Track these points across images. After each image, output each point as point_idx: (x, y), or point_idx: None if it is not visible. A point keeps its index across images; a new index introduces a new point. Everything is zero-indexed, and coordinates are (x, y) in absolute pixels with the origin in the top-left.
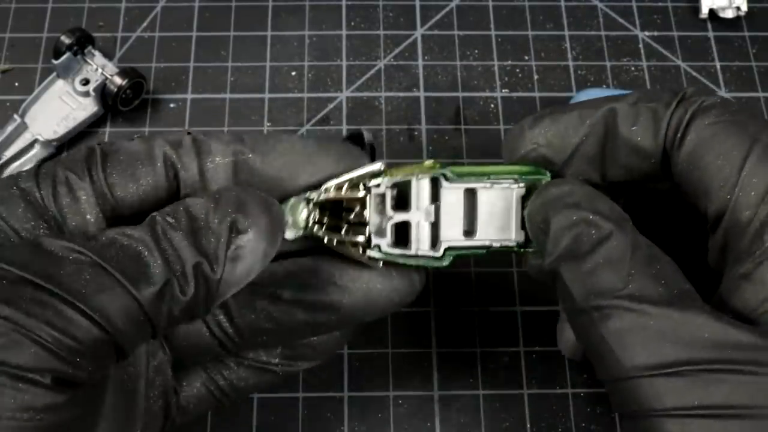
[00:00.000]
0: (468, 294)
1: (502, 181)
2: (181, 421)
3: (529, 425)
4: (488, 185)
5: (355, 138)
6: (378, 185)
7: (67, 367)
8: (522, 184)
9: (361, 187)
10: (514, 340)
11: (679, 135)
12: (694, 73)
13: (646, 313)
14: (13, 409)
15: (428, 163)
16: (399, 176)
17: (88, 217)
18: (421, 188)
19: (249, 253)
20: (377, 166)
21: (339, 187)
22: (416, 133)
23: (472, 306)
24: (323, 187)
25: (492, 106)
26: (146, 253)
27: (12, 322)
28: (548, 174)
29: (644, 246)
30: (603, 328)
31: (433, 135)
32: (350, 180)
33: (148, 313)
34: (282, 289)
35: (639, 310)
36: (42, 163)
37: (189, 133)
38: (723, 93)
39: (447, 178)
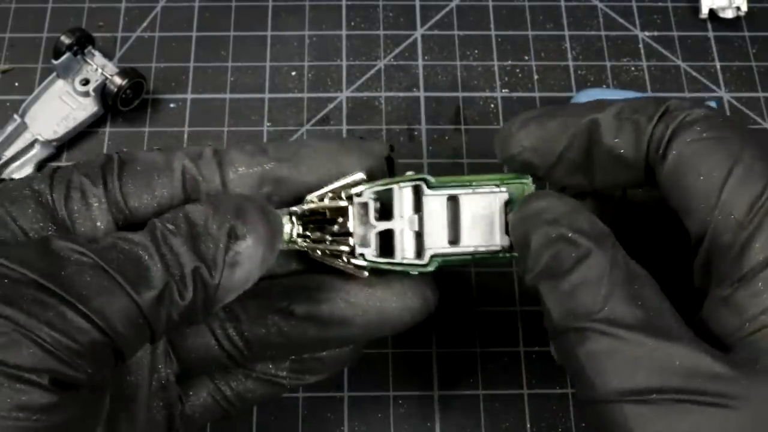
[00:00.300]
0: (468, 294)
1: (484, 186)
2: (185, 430)
3: (529, 425)
4: (470, 191)
5: None
6: (360, 194)
7: (66, 369)
8: (504, 189)
9: (344, 196)
10: (514, 340)
11: (660, 152)
12: (694, 73)
13: (621, 338)
14: (9, 409)
15: (409, 174)
16: (381, 185)
17: (98, 224)
18: (403, 197)
19: (247, 259)
20: (359, 176)
21: (321, 199)
22: (416, 133)
23: (472, 306)
24: (306, 199)
25: (492, 106)
26: (146, 257)
27: (12, 321)
28: (530, 179)
29: (623, 264)
30: (580, 350)
31: (433, 135)
32: (333, 191)
33: (148, 316)
34: (295, 305)
35: (614, 334)
36: (45, 163)
37: (209, 145)
38: (723, 93)
39: (429, 185)
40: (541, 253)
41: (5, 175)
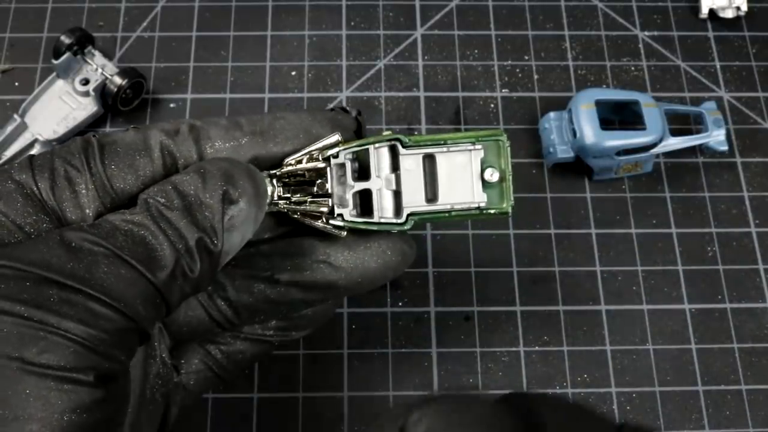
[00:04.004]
0: (468, 293)
1: (459, 145)
2: (183, 402)
3: None
4: (445, 150)
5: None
6: (336, 155)
7: (105, 361)
8: (480, 146)
9: (321, 158)
10: (514, 340)
11: None
12: (694, 73)
13: None
14: (62, 412)
15: (386, 133)
16: (357, 146)
17: (87, 210)
18: (380, 157)
19: (242, 221)
20: (335, 137)
21: (300, 161)
22: (416, 132)
23: (472, 305)
24: (285, 162)
25: (492, 106)
26: (150, 237)
27: (46, 324)
28: (504, 135)
29: None
30: None
31: None
32: (310, 153)
33: (164, 294)
34: (279, 273)
35: None
36: (33, 155)
37: (184, 123)
38: (723, 93)
39: (403, 145)
40: None
41: None
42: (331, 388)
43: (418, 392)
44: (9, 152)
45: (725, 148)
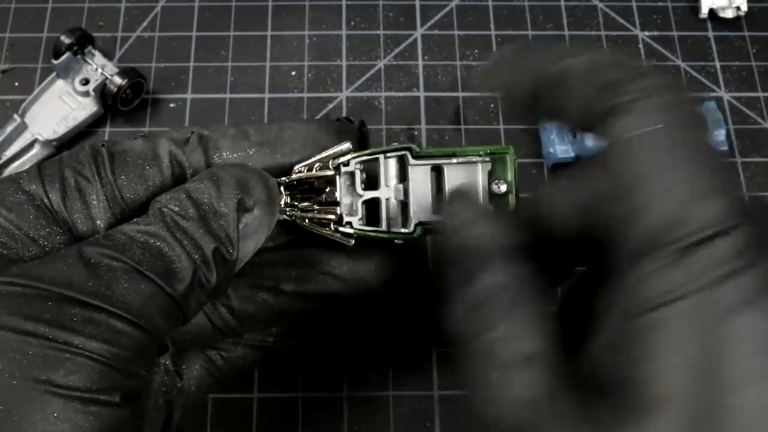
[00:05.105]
0: None
1: (467, 157)
2: (185, 407)
3: None
4: (453, 161)
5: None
6: (347, 164)
7: (128, 380)
8: (488, 159)
9: (331, 165)
10: None
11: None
12: (694, 73)
13: None
14: None
15: (395, 144)
16: (367, 155)
17: (99, 222)
18: (389, 167)
19: (256, 228)
20: (346, 145)
21: (309, 169)
22: (416, 132)
23: None
24: (294, 169)
25: (492, 106)
26: (167, 249)
27: (71, 345)
28: (512, 149)
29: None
30: None
31: (433, 135)
32: (320, 160)
33: (182, 307)
34: (283, 283)
35: None
36: (41, 163)
37: (193, 132)
38: (723, 93)
39: (413, 154)
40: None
41: (5, 175)
42: (331, 388)
43: (418, 392)
44: (9, 152)
45: (725, 148)
